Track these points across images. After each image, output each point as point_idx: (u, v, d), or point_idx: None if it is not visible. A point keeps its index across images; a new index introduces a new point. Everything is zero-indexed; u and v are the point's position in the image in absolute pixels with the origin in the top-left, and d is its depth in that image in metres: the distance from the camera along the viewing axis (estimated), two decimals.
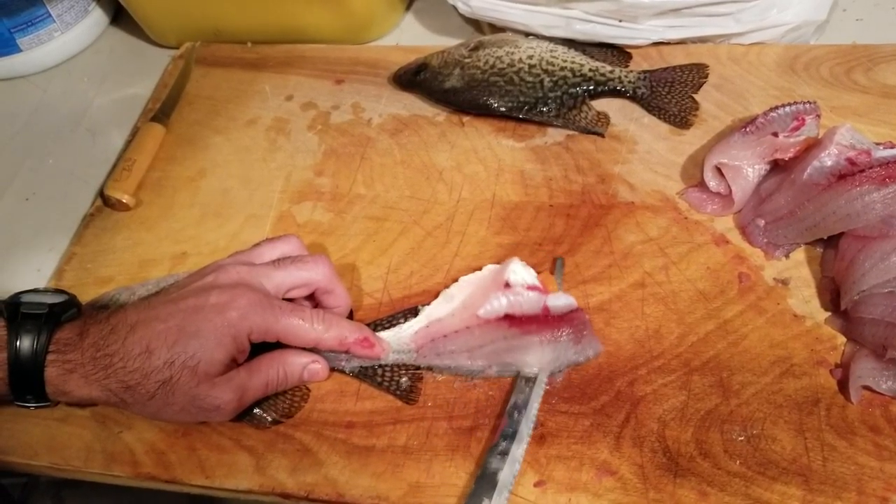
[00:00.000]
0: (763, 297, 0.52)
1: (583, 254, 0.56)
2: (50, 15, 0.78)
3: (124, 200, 0.65)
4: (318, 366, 0.51)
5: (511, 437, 0.47)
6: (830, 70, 0.64)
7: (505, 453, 0.46)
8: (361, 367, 0.52)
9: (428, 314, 0.53)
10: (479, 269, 0.55)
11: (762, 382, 0.49)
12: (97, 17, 0.83)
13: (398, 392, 0.51)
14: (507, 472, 0.46)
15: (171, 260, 0.61)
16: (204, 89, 0.75)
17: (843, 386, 0.48)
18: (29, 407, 0.49)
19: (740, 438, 0.47)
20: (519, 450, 0.47)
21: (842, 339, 0.50)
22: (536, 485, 0.47)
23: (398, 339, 0.53)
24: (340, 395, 0.52)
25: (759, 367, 0.49)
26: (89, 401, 0.49)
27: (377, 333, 0.52)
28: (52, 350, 0.47)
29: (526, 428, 0.48)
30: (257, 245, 0.53)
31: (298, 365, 0.50)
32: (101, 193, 0.67)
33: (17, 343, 0.46)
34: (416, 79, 0.68)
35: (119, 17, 0.85)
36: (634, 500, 0.45)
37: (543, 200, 0.60)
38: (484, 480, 0.45)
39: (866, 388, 0.47)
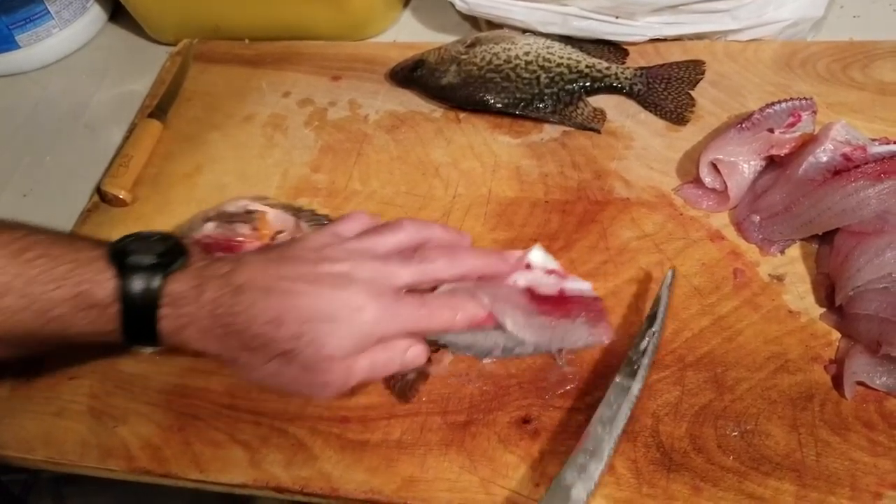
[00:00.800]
0: (758, 293, 0.52)
1: (578, 250, 0.56)
2: (48, 12, 0.78)
3: (121, 196, 0.65)
4: (417, 349, 0.49)
5: (591, 453, 0.45)
6: (827, 66, 0.64)
7: (583, 469, 0.44)
8: None
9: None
10: None
11: (756, 378, 0.49)
12: (95, 14, 0.84)
13: (397, 385, 0.51)
14: (581, 489, 0.44)
15: None
16: (201, 86, 0.75)
17: (837, 382, 0.48)
18: (146, 351, 0.51)
19: (734, 434, 0.47)
20: (598, 468, 0.44)
21: (836, 334, 0.50)
22: (530, 480, 0.47)
23: None
24: None
25: (754, 362, 0.49)
26: (204, 353, 0.47)
27: None
28: (165, 304, 0.45)
29: (609, 445, 0.45)
30: (368, 233, 0.51)
31: (400, 349, 0.49)
32: (98, 189, 0.67)
33: (129, 296, 0.45)
34: (412, 75, 0.68)
35: (117, 13, 0.86)
36: (628, 495, 0.45)
37: (539, 196, 0.60)
38: (557, 493, 0.44)
39: (860, 383, 0.47)
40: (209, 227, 0.56)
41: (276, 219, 0.57)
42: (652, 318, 0.49)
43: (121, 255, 0.46)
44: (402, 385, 0.51)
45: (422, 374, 0.52)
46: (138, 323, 0.46)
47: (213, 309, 0.45)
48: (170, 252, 0.47)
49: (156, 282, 0.45)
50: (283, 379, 0.47)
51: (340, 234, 0.50)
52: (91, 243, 0.47)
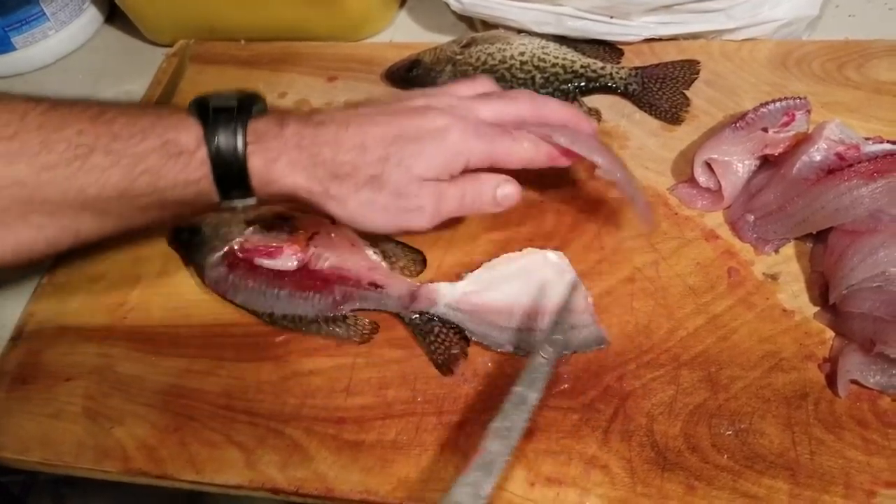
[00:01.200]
0: (752, 292, 0.52)
1: (573, 249, 0.56)
2: (44, 13, 0.78)
3: None
4: (510, 186, 0.50)
5: (485, 468, 0.42)
6: (822, 66, 0.64)
7: (477, 486, 0.41)
8: (422, 317, 0.53)
9: (473, 279, 0.54)
10: (471, 264, 0.55)
11: (751, 377, 0.49)
12: (92, 16, 0.84)
13: (442, 356, 0.52)
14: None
15: (162, 257, 0.61)
16: (198, 87, 0.75)
17: (831, 380, 0.48)
18: (235, 207, 0.48)
19: (728, 433, 0.47)
20: (490, 485, 0.41)
21: (830, 333, 0.50)
22: (525, 479, 0.47)
23: (452, 293, 0.53)
24: (331, 390, 0.52)
25: (748, 361, 0.49)
26: (294, 190, 0.47)
27: (435, 284, 0.54)
28: (251, 140, 0.46)
29: (502, 459, 0.42)
30: (453, 84, 0.53)
31: (490, 184, 0.49)
32: None
33: (216, 138, 0.45)
34: (408, 75, 0.68)
35: (113, 15, 0.86)
36: (622, 495, 0.46)
37: (534, 196, 0.60)
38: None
39: (854, 382, 0.47)
40: (249, 233, 0.57)
41: (309, 221, 0.57)
42: (554, 325, 0.48)
43: (201, 104, 0.46)
44: (446, 358, 0.52)
45: (463, 349, 0.52)
46: (227, 164, 0.46)
47: (298, 141, 0.46)
48: (248, 98, 0.47)
49: (241, 121, 0.46)
50: (376, 208, 0.47)
51: (452, 92, 0.51)
52: (167, 105, 0.47)
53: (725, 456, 0.46)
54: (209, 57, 0.77)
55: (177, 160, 0.45)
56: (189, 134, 0.45)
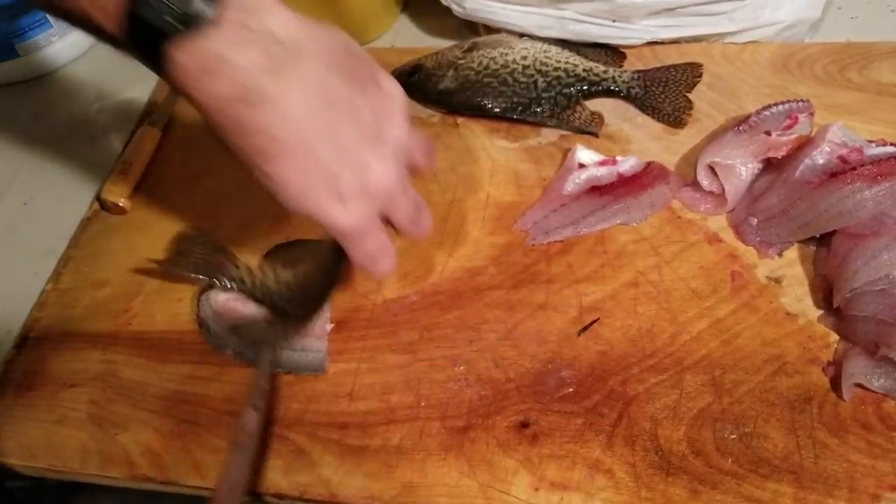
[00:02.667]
0: (756, 296, 0.52)
1: (576, 253, 0.56)
2: (47, 20, 0.79)
3: (120, 204, 0.65)
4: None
5: None
6: (824, 68, 0.64)
7: None
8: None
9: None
10: (474, 269, 0.55)
11: (754, 381, 0.49)
12: None
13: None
14: None
15: None
16: None
17: (835, 384, 0.48)
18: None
19: (732, 437, 0.47)
20: None
21: (834, 336, 0.50)
22: (529, 484, 0.47)
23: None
24: (334, 396, 0.52)
25: (752, 365, 0.49)
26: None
27: None
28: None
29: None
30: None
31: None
32: (97, 197, 0.67)
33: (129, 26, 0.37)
34: (410, 80, 0.68)
35: None
36: (626, 499, 0.45)
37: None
38: None
39: (858, 385, 0.47)
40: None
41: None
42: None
43: None
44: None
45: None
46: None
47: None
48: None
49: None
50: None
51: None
52: None
53: (729, 460, 0.46)
54: None
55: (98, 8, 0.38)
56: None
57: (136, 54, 0.39)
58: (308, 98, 0.38)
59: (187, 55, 0.36)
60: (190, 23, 0.36)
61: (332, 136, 0.39)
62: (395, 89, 0.44)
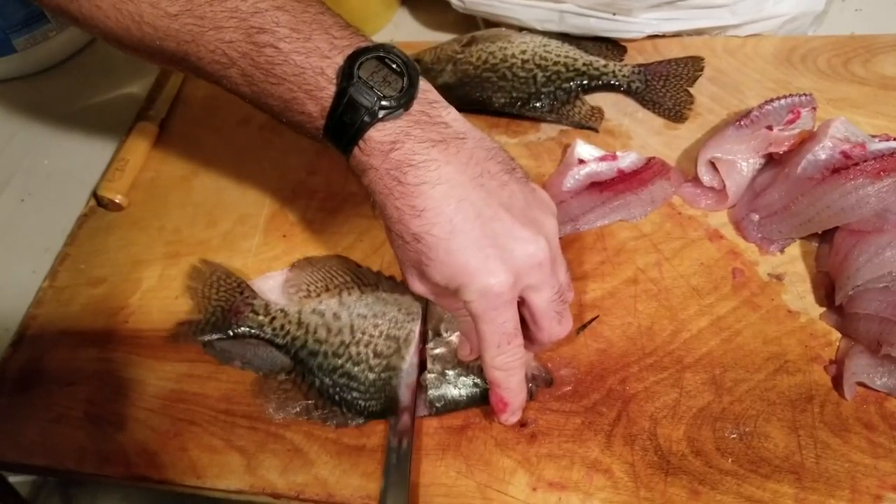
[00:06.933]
0: (757, 293, 0.52)
1: (576, 250, 0.56)
2: (45, 16, 0.78)
3: (117, 200, 0.65)
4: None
5: None
6: (828, 61, 0.63)
7: None
8: None
9: None
10: None
11: (755, 379, 0.48)
12: None
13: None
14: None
15: (163, 260, 0.61)
16: (198, 89, 0.75)
17: (837, 382, 0.47)
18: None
19: (733, 436, 0.46)
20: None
21: (836, 335, 0.49)
22: (527, 484, 0.46)
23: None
24: None
25: (753, 363, 0.49)
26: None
27: None
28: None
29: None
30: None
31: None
32: (94, 194, 0.67)
33: (335, 117, 0.42)
34: None
35: None
36: (625, 499, 0.45)
37: None
38: None
39: (860, 384, 0.46)
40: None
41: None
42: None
43: (349, 75, 0.42)
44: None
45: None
46: (336, 136, 0.43)
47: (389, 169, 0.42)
48: (396, 98, 0.42)
49: (363, 126, 0.42)
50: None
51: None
52: (329, 45, 0.43)
53: (730, 460, 0.45)
54: None
55: (298, 115, 0.44)
56: (318, 103, 0.43)
57: (332, 140, 0.44)
58: (468, 167, 0.42)
59: (380, 132, 0.42)
60: (392, 111, 0.42)
61: (487, 203, 0.42)
62: (546, 195, 0.46)
